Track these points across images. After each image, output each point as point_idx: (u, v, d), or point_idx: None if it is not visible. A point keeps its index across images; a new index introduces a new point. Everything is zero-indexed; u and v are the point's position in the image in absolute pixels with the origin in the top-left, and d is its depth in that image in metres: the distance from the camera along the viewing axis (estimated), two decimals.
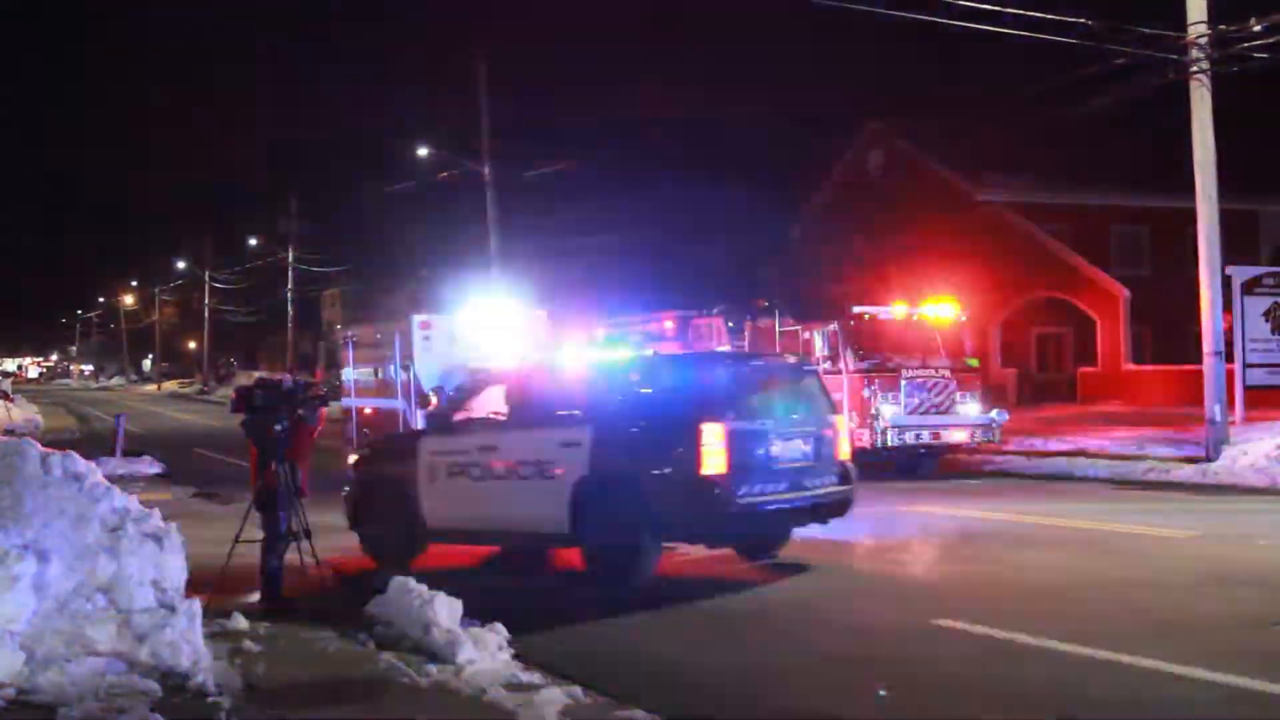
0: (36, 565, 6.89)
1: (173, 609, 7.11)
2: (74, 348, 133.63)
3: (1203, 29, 16.98)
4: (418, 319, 19.38)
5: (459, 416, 11.71)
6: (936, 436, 18.97)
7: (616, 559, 9.96)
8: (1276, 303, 19.96)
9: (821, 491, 10.50)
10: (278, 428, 9.46)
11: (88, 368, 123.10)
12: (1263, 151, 31.55)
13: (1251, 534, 11.98)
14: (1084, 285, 32.47)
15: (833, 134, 40.32)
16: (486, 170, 33.38)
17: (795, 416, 10.59)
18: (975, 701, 6.62)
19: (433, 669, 7.18)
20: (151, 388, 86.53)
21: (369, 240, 62.24)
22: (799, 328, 19.91)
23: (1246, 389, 19.64)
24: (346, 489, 12.19)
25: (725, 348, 21.29)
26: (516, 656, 7.46)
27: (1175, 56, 17.29)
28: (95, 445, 24.57)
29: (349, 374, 21.33)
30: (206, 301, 78.09)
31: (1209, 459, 17.42)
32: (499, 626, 7.79)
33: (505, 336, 18.91)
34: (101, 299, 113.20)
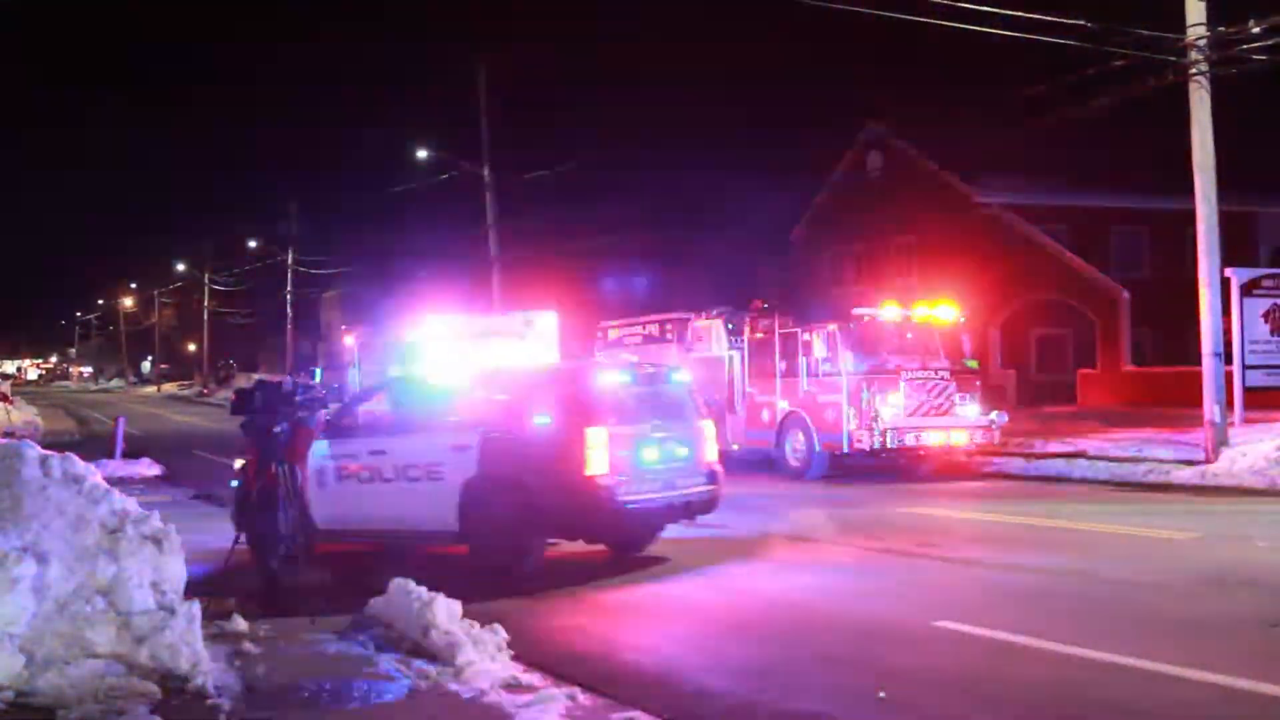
0: (36, 567, 6.88)
1: (172, 611, 7.10)
2: (73, 350, 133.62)
3: (1202, 31, 16.99)
4: (430, 317, 19.38)
5: (347, 421, 12.17)
6: (936, 438, 18.97)
7: (503, 555, 10.53)
8: (1276, 304, 19.96)
9: (693, 491, 11.22)
10: (277, 429, 9.47)
11: (87, 370, 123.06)
12: (1262, 152, 31.56)
13: (1251, 535, 11.98)
14: (1083, 287, 32.48)
15: (832, 135, 40.37)
16: (486, 172, 33.40)
17: (669, 422, 11.27)
18: (975, 702, 6.62)
19: (432, 670, 7.17)
20: (151, 389, 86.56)
21: (368, 242, 62.31)
22: (798, 329, 19.92)
23: (1246, 390, 19.63)
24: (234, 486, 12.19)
25: (728, 349, 21.34)
26: (516, 658, 7.46)
27: (1174, 58, 17.30)
28: (94, 447, 24.55)
29: (354, 375, 21.32)
30: (206, 303, 78.11)
31: (1208, 460, 17.41)
32: (498, 628, 7.78)
33: (516, 337, 18.91)
34: (101, 301, 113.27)
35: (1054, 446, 21.19)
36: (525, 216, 38.20)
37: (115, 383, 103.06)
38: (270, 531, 9.48)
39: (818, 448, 19.29)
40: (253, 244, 69.67)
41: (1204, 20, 16.99)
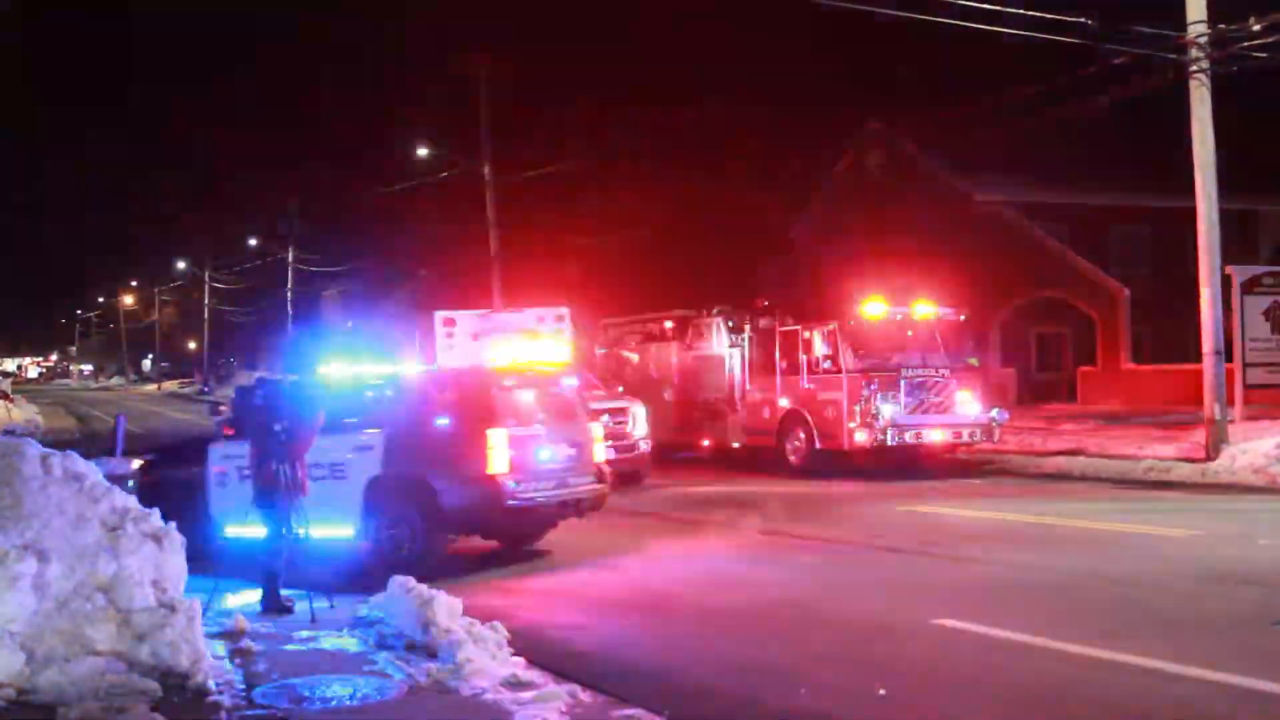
0: (36, 565, 6.89)
1: (172, 608, 7.11)
2: (74, 348, 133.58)
3: (1202, 29, 16.98)
4: (441, 315, 19.30)
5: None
6: (936, 436, 18.97)
7: (405, 550, 10.93)
8: (1276, 302, 19.96)
9: (582, 489, 11.83)
10: (277, 427, 9.47)
11: (87, 368, 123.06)
12: (1263, 151, 31.53)
13: (1251, 533, 11.97)
14: (1084, 285, 32.46)
15: (832, 134, 40.30)
16: (487, 170, 33.39)
17: (561, 423, 11.94)
18: (975, 701, 6.62)
19: (432, 668, 7.18)
20: (151, 388, 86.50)
21: (369, 240, 62.24)
22: (799, 328, 19.92)
23: (1246, 388, 19.63)
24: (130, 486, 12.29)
25: (728, 347, 21.35)
26: (516, 655, 7.46)
27: (1175, 56, 17.29)
28: (95, 445, 24.53)
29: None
30: (206, 301, 78.09)
31: (1209, 458, 17.41)
32: (498, 625, 7.79)
33: (530, 335, 18.84)
34: (101, 299, 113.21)
35: (1054, 444, 21.18)
36: (526, 215, 38.19)
37: (115, 380, 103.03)
38: (272, 530, 9.48)
39: (818, 445, 19.29)
40: (253, 242, 69.68)
41: (1204, 18, 16.98)
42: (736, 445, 21.15)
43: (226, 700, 6.63)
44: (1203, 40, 17.01)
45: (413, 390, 11.89)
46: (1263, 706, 6.35)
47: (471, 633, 7.55)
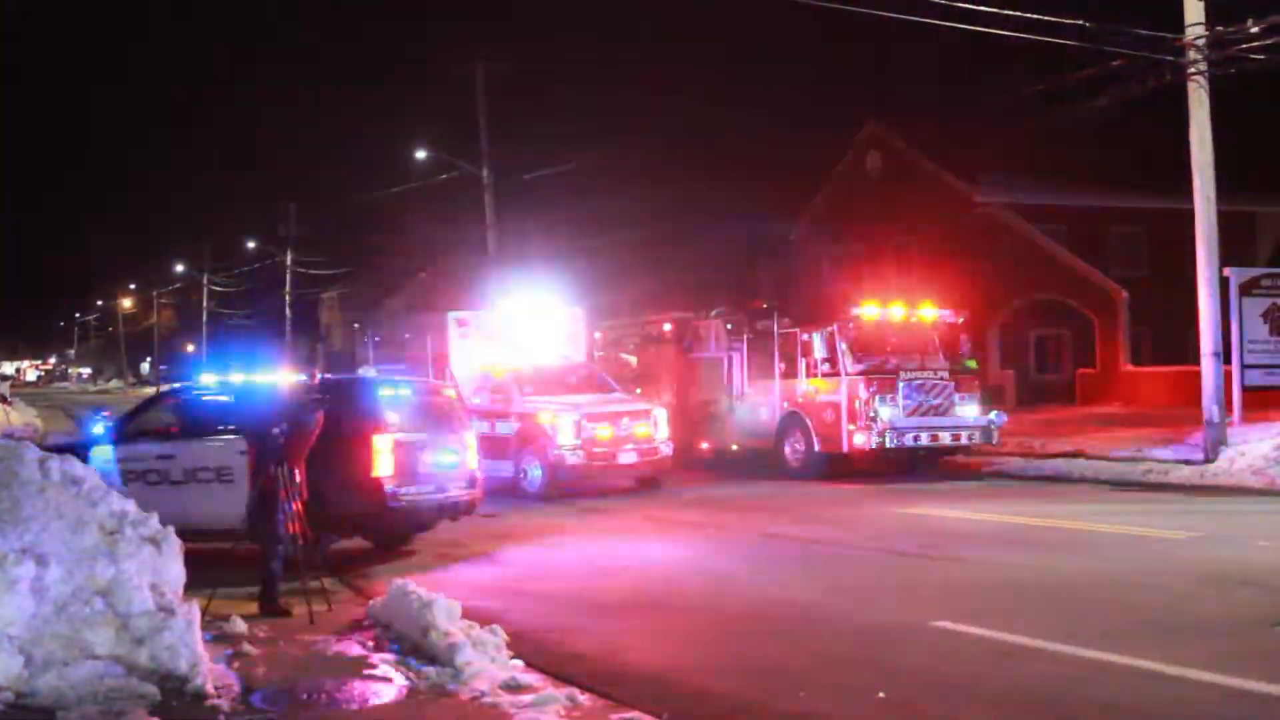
0: (35, 569, 6.88)
1: (171, 612, 7.10)
2: (72, 351, 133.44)
3: (1200, 30, 17.00)
4: (454, 316, 19.19)
5: (131, 428, 12.73)
6: (935, 438, 18.98)
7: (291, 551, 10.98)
8: (1274, 304, 19.95)
9: (458, 493, 12.40)
10: (276, 431, 9.46)
11: (86, 371, 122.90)
12: (1262, 152, 31.55)
13: (1250, 535, 11.99)
14: (1082, 286, 32.47)
15: (831, 135, 40.31)
16: (485, 172, 33.39)
17: (441, 431, 12.47)
18: (975, 702, 6.62)
19: (432, 671, 7.17)
20: (150, 391, 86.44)
21: (367, 243, 62.26)
22: (797, 329, 19.91)
23: (1244, 390, 19.63)
24: None
25: (727, 349, 21.33)
26: (515, 658, 7.45)
27: (1173, 58, 17.30)
28: None
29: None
30: (205, 304, 78.04)
31: (1207, 460, 17.42)
32: (498, 628, 7.78)
33: (545, 333, 18.78)
34: (100, 302, 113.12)
35: (1053, 446, 21.19)
36: (524, 216, 38.19)
37: (114, 383, 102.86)
38: (270, 532, 9.47)
39: (817, 448, 19.28)
40: (252, 244, 69.64)
41: (1203, 20, 17.01)
42: (735, 448, 21.14)
43: (225, 704, 6.62)
44: (1201, 42, 17.03)
45: (296, 396, 11.96)
46: (1263, 708, 6.35)
47: (471, 635, 7.55)
